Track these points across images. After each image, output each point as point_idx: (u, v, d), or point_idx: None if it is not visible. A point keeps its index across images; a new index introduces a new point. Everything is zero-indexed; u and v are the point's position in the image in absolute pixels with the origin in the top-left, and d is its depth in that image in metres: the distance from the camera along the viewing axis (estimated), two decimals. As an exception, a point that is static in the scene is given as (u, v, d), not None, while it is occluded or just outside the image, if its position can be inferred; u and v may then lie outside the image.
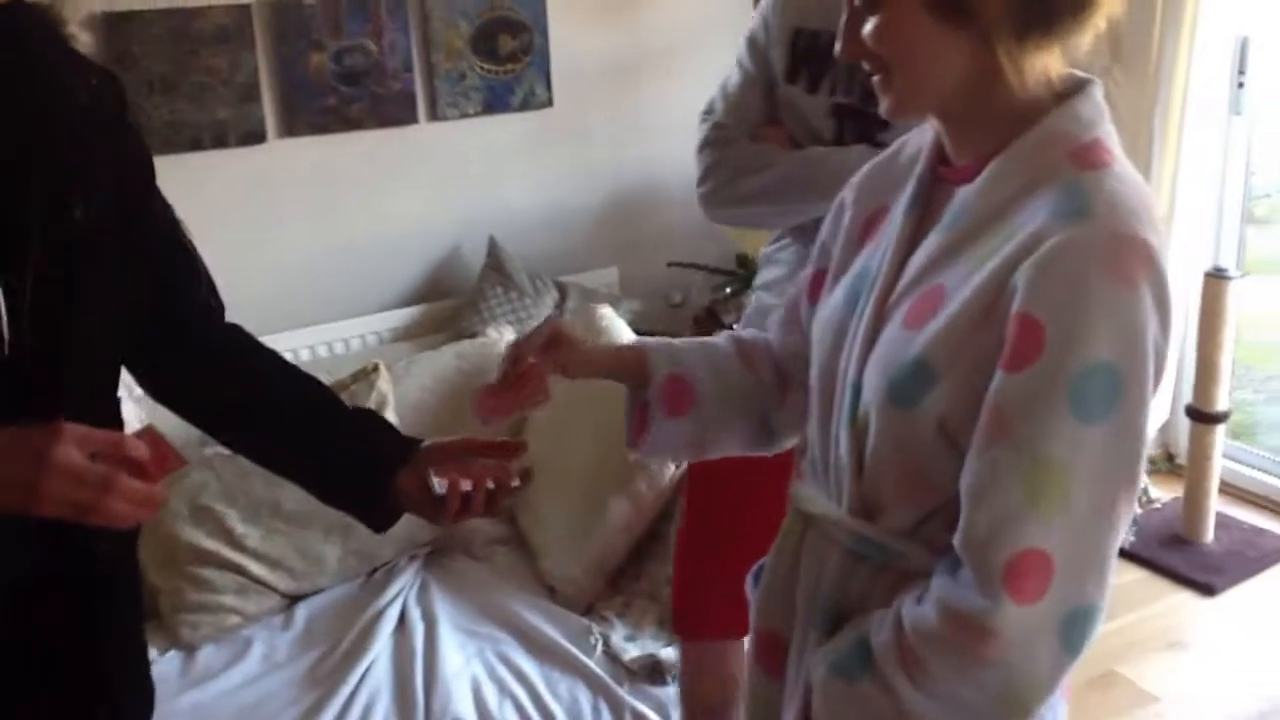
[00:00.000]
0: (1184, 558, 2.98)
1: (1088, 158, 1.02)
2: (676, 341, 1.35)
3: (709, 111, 1.78)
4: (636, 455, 1.36)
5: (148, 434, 1.07)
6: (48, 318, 1.12)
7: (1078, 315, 0.95)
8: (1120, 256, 0.96)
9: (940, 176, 1.14)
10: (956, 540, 1.00)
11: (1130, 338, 0.96)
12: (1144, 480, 3.18)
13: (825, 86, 1.66)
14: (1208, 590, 2.88)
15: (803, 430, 1.28)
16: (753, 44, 1.75)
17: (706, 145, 1.75)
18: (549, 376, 1.25)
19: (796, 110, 1.70)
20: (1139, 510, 2.88)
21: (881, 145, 1.55)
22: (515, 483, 1.31)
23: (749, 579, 1.33)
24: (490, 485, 1.30)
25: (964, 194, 1.08)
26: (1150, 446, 3.33)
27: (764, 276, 1.87)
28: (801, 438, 1.30)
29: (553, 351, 1.25)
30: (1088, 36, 1.05)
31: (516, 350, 1.26)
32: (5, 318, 1.16)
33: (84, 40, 1.26)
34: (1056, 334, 0.95)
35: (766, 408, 1.33)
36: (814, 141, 1.68)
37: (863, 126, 1.63)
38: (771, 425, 1.34)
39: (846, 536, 1.15)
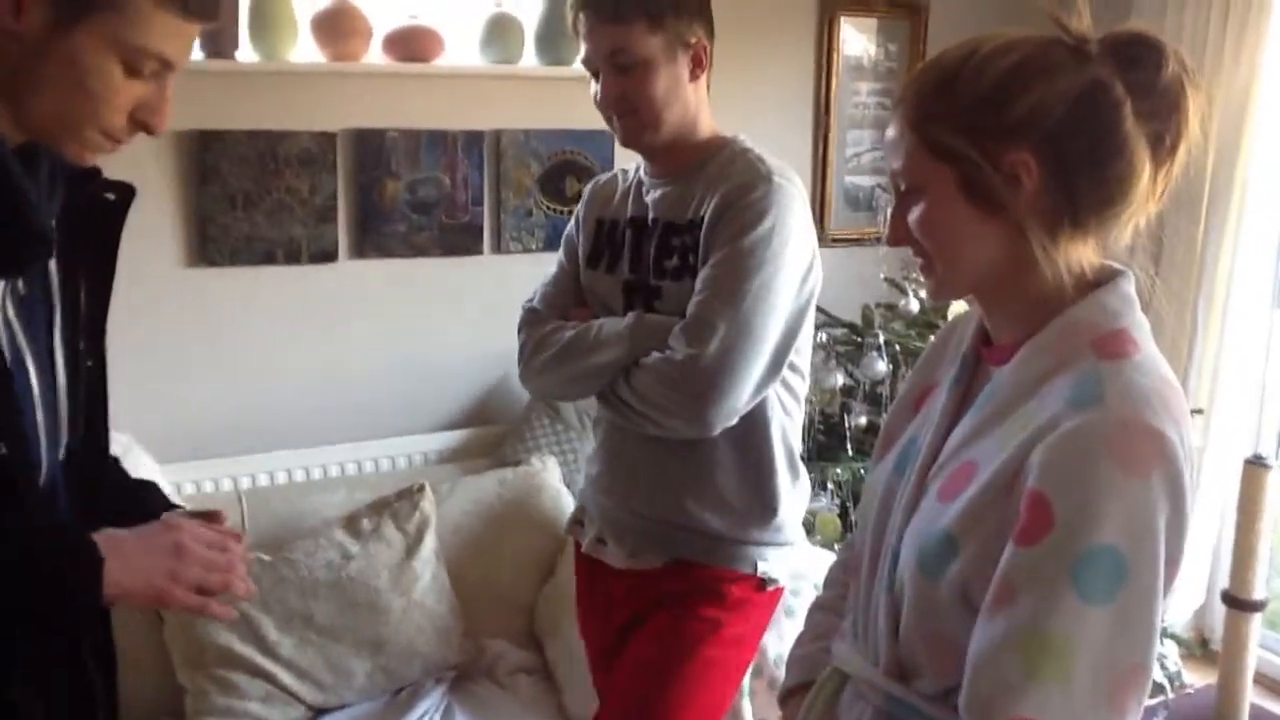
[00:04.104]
0: (1215, 748, 2.92)
1: (1110, 347, 1.07)
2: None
3: (529, 300, 2.01)
4: None
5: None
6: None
7: (1086, 498, 0.98)
8: (1131, 444, 1.00)
9: (982, 357, 1.21)
10: (960, 702, 1.03)
11: (1139, 524, 0.99)
12: (1178, 664, 3.13)
13: (620, 267, 1.91)
14: (1238, 785, 2.80)
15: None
16: (568, 240, 2.04)
17: (519, 328, 1.98)
18: None
19: (596, 291, 1.96)
20: (1171, 695, 2.83)
21: (656, 312, 1.80)
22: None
23: None
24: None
25: (999, 375, 1.14)
26: (1184, 630, 3.30)
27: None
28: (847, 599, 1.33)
29: None
30: (1125, 232, 1.12)
31: None
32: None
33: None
34: (1064, 514, 0.99)
35: None
36: (609, 315, 1.90)
37: (645, 297, 1.86)
38: None
39: (880, 697, 1.18)
